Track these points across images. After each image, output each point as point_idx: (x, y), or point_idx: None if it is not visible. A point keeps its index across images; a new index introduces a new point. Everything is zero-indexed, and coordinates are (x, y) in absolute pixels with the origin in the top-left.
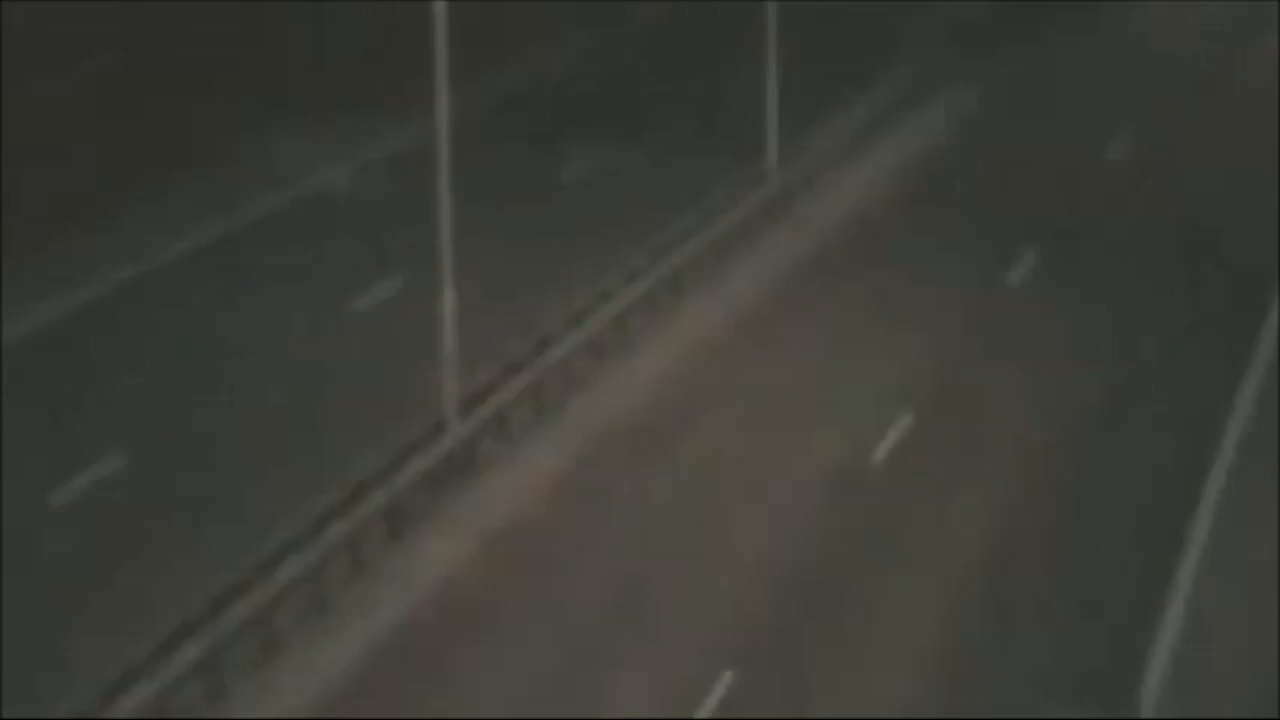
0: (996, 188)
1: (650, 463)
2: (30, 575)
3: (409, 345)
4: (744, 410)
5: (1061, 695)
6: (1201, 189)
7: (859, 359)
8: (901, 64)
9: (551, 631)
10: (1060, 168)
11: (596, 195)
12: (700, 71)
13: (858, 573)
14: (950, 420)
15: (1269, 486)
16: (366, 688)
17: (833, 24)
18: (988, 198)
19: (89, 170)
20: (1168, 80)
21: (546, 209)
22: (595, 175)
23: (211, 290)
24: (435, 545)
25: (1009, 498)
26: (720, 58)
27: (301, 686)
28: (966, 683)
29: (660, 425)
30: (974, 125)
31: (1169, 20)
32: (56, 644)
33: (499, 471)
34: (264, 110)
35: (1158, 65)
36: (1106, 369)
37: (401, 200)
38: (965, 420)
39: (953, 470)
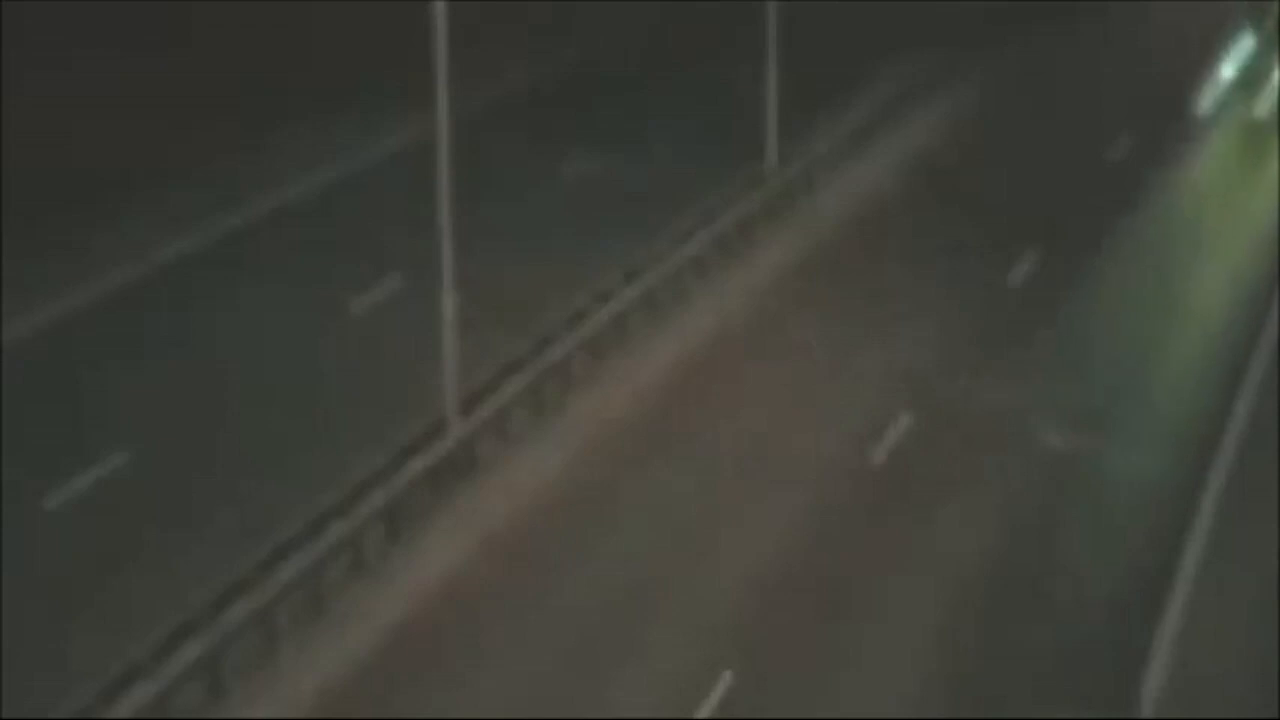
0: (997, 188)
1: (649, 463)
2: (32, 575)
3: (409, 345)
4: (744, 410)
5: (1062, 696)
6: (1202, 189)
7: (859, 360)
8: (903, 64)
9: (552, 631)
10: (1061, 168)
11: (597, 195)
12: (700, 72)
13: (858, 573)
14: (950, 421)
15: (1269, 486)
16: (366, 688)
17: (832, 24)
18: (988, 198)
19: (90, 169)
20: (1169, 80)
21: (547, 209)
22: (596, 174)
23: (212, 289)
24: (435, 545)
25: (1009, 498)
26: (720, 57)
27: (301, 686)
28: (966, 683)
29: (660, 425)
30: (974, 125)
31: (1173, 22)
32: (58, 643)
33: (499, 471)
34: (263, 109)
35: (1159, 65)
36: (1107, 370)
37: (401, 199)
38: (965, 421)
39: (952, 471)
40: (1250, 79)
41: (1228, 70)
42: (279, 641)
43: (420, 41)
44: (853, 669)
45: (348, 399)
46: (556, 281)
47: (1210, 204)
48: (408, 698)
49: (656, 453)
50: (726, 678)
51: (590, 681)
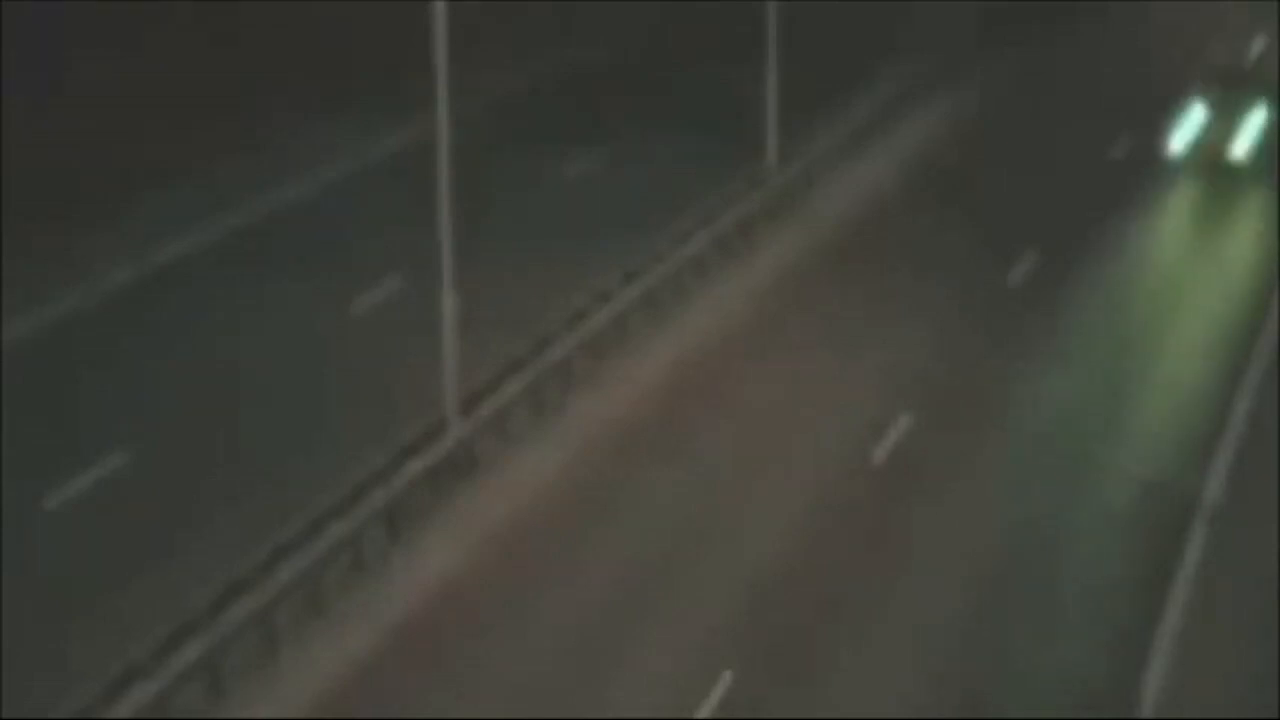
0: (997, 188)
1: (649, 463)
2: (31, 575)
3: (409, 345)
4: (744, 411)
5: (1062, 696)
6: (1203, 189)
7: (859, 360)
8: (903, 64)
9: (551, 631)
10: (1061, 168)
11: (597, 195)
12: (700, 71)
13: (858, 573)
14: (950, 421)
15: (1269, 485)
16: (366, 688)
17: (832, 24)
18: (988, 198)
19: (90, 169)
20: (1169, 80)
21: (547, 209)
22: (596, 174)
23: (212, 290)
24: (435, 545)
25: (1009, 498)
26: (720, 57)
27: (301, 686)
28: (968, 683)
29: (660, 426)
30: (974, 125)
31: (1173, 23)
32: (58, 644)
33: (499, 471)
34: (263, 109)
35: (1160, 66)
36: (1108, 371)
37: (401, 199)
38: (965, 421)
39: (953, 471)
40: (1203, 158)
41: (1177, 145)
42: (279, 641)
43: (420, 41)
44: (853, 669)
45: (348, 399)
46: (556, 281)
47: (1211, 205)
48: (408, 698)
49: (657, 452)
50: (726, 678)
51: (590, 681)
